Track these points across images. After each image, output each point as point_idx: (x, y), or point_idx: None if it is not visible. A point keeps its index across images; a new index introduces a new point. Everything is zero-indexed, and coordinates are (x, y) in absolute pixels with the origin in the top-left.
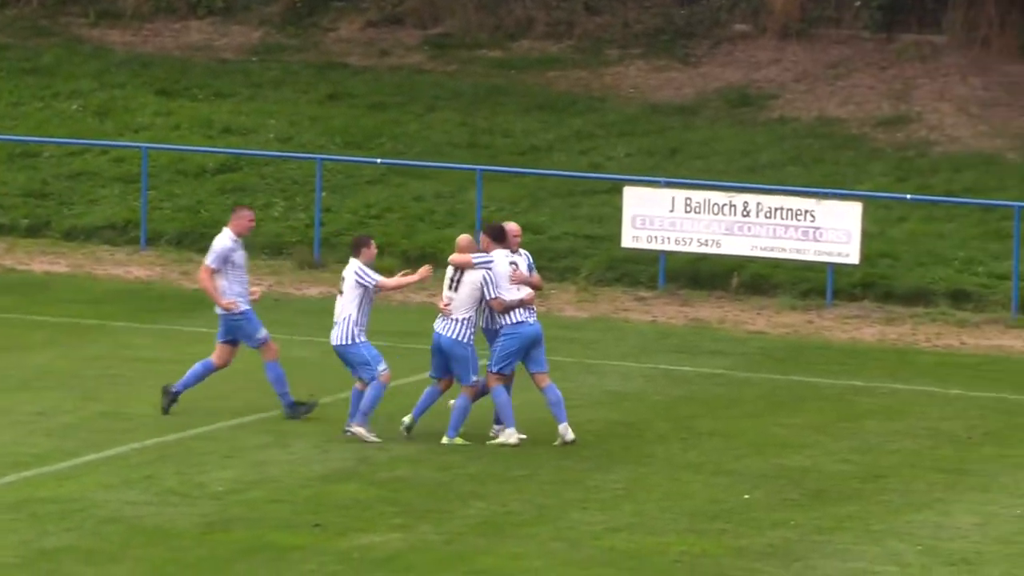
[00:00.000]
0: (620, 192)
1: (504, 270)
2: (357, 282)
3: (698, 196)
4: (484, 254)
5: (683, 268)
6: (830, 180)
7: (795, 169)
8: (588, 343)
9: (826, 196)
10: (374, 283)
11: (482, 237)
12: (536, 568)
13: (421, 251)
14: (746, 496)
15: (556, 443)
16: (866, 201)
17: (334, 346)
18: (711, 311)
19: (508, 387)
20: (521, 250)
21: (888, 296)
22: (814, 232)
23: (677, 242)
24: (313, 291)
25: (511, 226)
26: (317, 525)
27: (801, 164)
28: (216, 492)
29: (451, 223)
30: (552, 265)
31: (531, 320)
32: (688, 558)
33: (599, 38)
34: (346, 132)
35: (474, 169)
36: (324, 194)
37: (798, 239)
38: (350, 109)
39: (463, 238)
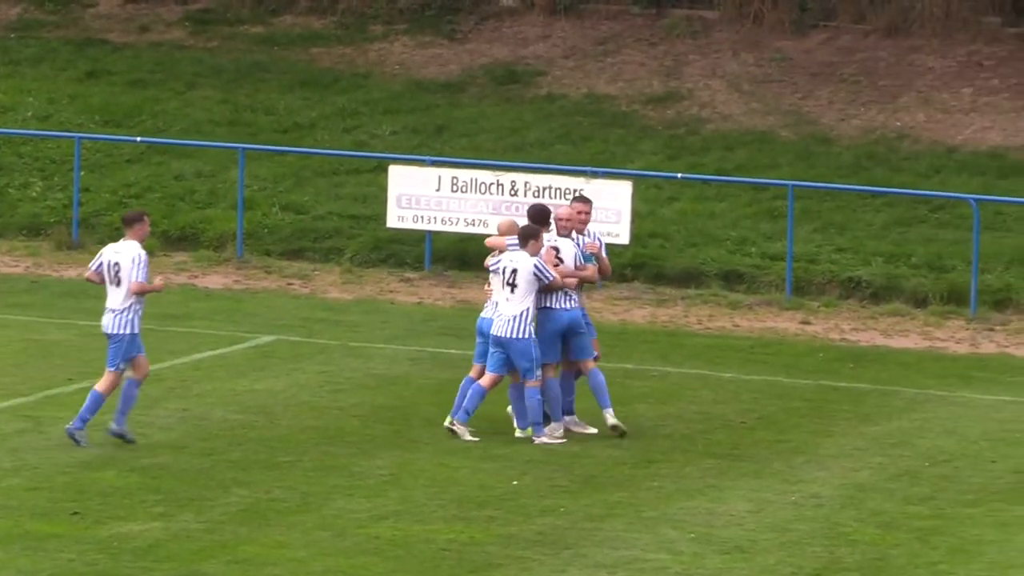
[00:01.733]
0: (385, 171)
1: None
2: (536, 276)
3: (465, 175)
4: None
5: (450, 249)
6: (599, 158)
7: (564, 147)
8: (353, 325)
9: (595, 175)
10: (551, 279)
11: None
12: (300, 557)
13: (182, 231)
14: (515, 482)
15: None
16: (636, 180)
17: (502, 337)
18: (479, 293)
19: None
20: (586, 233)
21: (659, 277)
22: None
23: (443, 222)
24: (71, 272)
25: (561, 211)
26: (76, 513)
27: (570, 142)
28: None
29: (212, 202)
30: (316, 246)
31: (568, 307)
32: (456, 546)
33: (363, 14)
34: (105, 110)
35: (236, 147)
36: (83, 173)
37: None
38: (109, 86)
39: (505, 221)
